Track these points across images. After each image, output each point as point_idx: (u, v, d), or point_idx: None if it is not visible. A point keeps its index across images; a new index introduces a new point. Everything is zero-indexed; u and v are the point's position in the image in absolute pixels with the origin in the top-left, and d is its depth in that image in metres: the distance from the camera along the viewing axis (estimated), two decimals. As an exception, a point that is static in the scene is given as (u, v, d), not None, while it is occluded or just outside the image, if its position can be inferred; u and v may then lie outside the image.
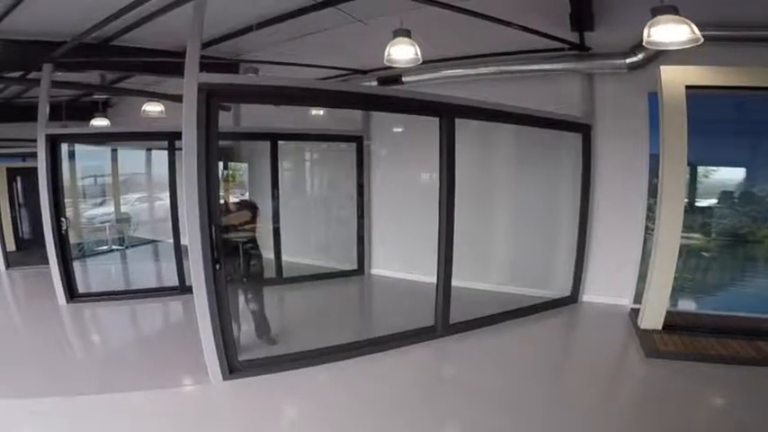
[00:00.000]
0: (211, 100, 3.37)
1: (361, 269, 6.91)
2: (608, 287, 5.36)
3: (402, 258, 6.58)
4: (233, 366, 3.61)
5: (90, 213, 9.18)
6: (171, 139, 6.00)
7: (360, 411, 3.22)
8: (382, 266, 6.87)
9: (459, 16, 4.55)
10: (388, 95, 4.55)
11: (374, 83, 6.26)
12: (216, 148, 3.41)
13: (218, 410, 3.25)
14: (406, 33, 4.27)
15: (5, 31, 4.94)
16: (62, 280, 5.65)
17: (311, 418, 3.16)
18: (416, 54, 4.34)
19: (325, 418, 3.15)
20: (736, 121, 4.91)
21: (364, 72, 6.45)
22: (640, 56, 4.86)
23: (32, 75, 6.43)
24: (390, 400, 3.35)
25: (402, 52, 4.33)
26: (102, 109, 8.61)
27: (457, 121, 4.33)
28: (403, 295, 6.00)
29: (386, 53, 4.34)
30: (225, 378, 3.55)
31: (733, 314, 4.68)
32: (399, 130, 6.80)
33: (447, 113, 4.29)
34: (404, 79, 6.11)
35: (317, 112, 6.64)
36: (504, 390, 3.49)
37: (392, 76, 6.13)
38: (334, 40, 6.58)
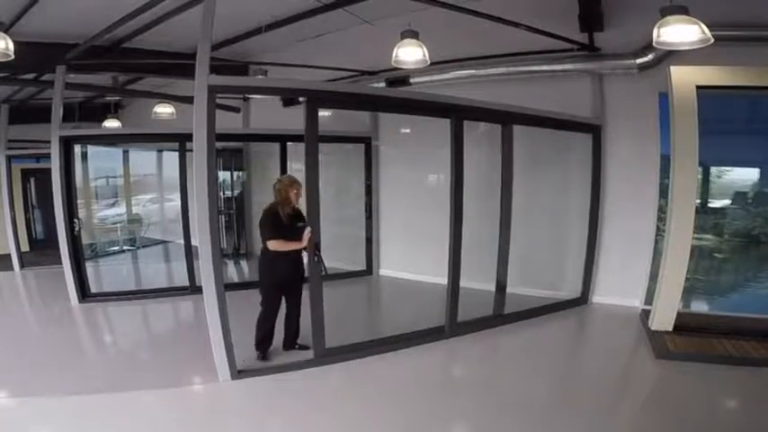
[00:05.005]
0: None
1: (369, 270, 6.92)
2: (618, 288, 5.32)
3: (411, 259, 6.58)
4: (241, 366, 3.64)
5: (102, 214, 9.30)
6: (182, 140, 6.05)
7: (368, 411, 3.23)
8: (391, 267, 6.87)
9: (467, 17, 4.55)
10: (396, 97, 4.57)
11: (383, 84, 6.27)
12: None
13: (226, 410, 3.27)
14: (414, 35, 4.27)
15: (20, 34, 5.00)
16: (75, 280, 5.71)
17: (319, 418, 3.17)
18: (424, 55, 4.34)
19: (333, 417, 3.16)
20: (749, 121, 4.86)
21: (372, 73, 6.47)
22: (650, 56, 4.83)
23: (46, 77, 6.54)
24: (398, 401, 3.35)
25: (410, 53, 4.33)
26: (114, 111, 8.75)
27: (466, 121, 4.33)
28: (412, 296, 6.01)
29: (394, 54, 4.34)
30: (233, 378, 3.57)
31: (745, 315, 4.61)
32: (407, 131, 6.80)
33: (457, 115, 4.29)
34: (412, 80, 6.11)
35: (326, 113, 6.65)
36: (512, 390, 3.48)
37: (400, 78, 6.14)
38: (343, 42, 6.61)
